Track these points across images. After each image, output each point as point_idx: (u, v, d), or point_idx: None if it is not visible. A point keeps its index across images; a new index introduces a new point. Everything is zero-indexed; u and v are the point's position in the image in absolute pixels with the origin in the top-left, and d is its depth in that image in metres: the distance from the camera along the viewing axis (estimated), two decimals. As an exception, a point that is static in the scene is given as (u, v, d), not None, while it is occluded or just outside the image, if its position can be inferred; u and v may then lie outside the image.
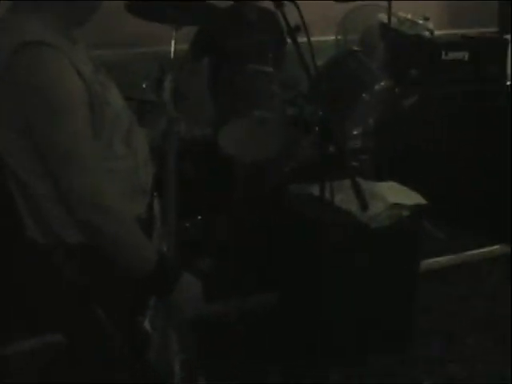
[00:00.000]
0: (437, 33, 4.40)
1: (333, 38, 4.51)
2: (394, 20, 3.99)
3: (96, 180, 1.63)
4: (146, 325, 1.71)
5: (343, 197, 2.42)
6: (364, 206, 1.88)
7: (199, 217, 3.36)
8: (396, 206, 2.85)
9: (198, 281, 1.76)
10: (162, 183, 2.04)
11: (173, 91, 2.21)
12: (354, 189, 1.91)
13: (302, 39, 1.94)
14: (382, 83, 3.30)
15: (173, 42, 3.38)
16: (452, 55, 4.06)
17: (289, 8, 1.92)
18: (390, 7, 3.86)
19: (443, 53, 4.00)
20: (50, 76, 1.56)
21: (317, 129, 3.21)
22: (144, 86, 2.98)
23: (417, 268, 3.03)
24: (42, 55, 1.56)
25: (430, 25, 4.20)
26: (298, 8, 1.91)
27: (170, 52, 3.39)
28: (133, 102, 3.07)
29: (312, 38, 1.89)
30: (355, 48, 3.56)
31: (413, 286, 3.01)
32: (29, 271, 1.78)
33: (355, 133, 3.36)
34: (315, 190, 2.92)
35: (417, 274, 3.03)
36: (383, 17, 4.00)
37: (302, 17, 1.92)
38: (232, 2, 3.93)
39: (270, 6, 2.65)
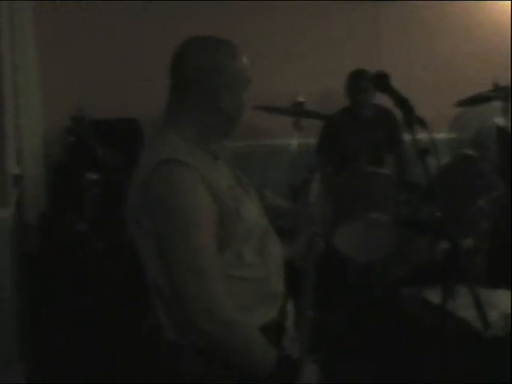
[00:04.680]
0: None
1: (446, 135, 4.60)
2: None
3: (215, 293, 1.68)
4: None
5: (459, 302, 2.45)
6: (486, 325, 1.93)
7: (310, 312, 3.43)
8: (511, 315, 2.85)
9: (317, 369, 1.82)
10: (299, 285, 2.06)
11: (318, 194, 2.23)
12: (474, 302, 1.95)
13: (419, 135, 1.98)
14: (497, 191, 3.34)
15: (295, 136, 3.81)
16: None
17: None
18: (510, 110, 3.90)
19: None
20: (179, 194, 1.67)
21: (432, 230, 3.28)
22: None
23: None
24: (174, 174, 1.68)
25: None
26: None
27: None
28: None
29: (426, 135, 1.96)
30: (469, 152, 3.61)
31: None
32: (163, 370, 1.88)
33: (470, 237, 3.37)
34: (430, 295, 2.97)
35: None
36: (499, 120, 4.04)
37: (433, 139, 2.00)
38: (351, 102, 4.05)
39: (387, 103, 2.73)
